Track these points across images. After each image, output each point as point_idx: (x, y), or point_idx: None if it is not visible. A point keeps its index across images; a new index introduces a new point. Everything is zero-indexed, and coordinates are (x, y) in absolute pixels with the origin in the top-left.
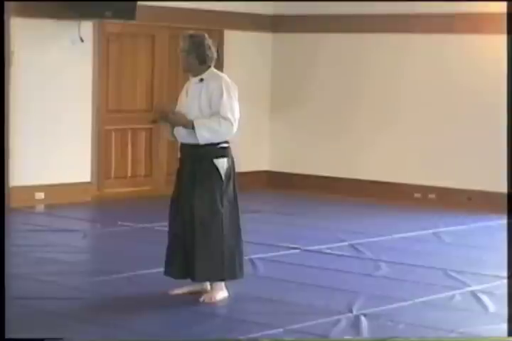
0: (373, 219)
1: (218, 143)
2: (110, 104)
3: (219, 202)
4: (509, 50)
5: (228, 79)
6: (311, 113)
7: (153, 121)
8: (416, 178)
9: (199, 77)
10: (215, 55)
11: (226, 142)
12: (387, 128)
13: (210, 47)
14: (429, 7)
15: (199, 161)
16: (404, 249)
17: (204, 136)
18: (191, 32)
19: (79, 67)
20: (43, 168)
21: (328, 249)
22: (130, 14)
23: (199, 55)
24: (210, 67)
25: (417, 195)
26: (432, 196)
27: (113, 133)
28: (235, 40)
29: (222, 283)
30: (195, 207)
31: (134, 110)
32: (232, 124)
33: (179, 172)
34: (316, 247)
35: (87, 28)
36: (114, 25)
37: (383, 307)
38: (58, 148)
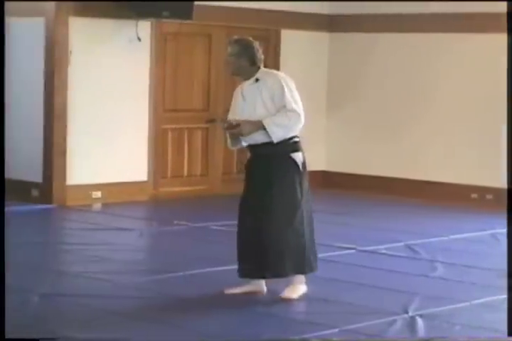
0: (429, 220)
1: (290, 138)
2: (167, 103)
3: (299, 195)
4: (509, 50)
5: (282, 74)
6: (367, 112)
7: (210, 121)
8: (473, 179)
9: (253, 78)
10: (262, 56)
11: (297, 136)
12: (444, 128)
13: (258, 50)
14: (486, 6)
15: (276, 158)
16: (460, 249)
17: (276, 132)
18: (236, 37)
19: (136, 66)
20: (100, 167)
21: (383, 249)
22: (187, 14)
23: (249, 58)
24: (259, 67)
25: (474, 196)
26: (489, 197)
27: (169, 133)
28: (291, 40)
29: (303, 277)
30: (277, 204)
31: (190, 109)
32: (299, 115)
33: (249, 172)
34: (371, 247)
35: (144, 27)
36: (171, 24)
37: (439, 308)
38: (115, 147)
